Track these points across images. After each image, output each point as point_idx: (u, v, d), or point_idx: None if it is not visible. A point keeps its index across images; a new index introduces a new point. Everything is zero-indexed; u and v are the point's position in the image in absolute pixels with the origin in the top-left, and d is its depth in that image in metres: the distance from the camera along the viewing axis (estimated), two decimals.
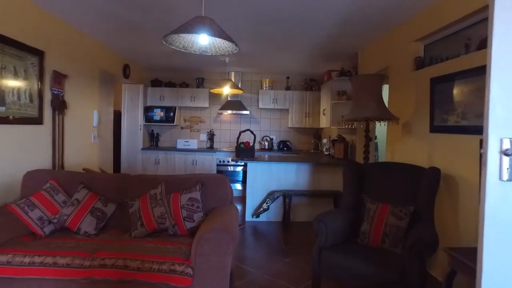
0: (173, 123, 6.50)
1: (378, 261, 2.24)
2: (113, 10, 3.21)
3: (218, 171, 6.22)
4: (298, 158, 5.10)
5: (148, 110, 6.42)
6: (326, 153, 5.85)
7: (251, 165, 4.65)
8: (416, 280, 2.03)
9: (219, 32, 2.18)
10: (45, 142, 3.31)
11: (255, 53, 4.95)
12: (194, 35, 2.35)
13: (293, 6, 3.08)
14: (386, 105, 3.36)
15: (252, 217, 4.60)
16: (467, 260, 1.73)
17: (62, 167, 3.58)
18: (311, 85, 6.60)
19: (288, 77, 6.70)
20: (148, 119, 6.42)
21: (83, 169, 3.51)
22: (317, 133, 6.78)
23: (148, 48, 4.85)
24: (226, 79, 5.12)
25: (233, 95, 6.51)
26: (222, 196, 2.85)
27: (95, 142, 4.45)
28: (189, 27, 2.15)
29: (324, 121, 5.80)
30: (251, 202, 4.66)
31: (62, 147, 3.58)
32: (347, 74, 4.98)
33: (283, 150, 6.60)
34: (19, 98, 2.87)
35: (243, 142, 4.78)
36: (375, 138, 4.53)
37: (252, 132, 4.74)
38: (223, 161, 6.23)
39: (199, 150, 6.33)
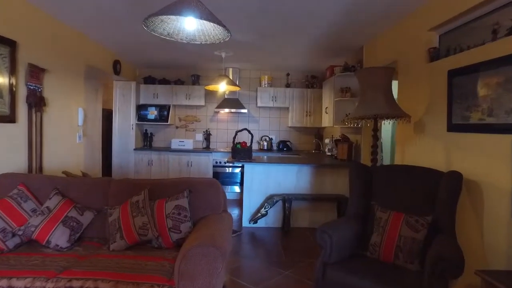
0: (167, 122, 6.18)
1: (391, 281, 1.93)
2: None
3: (215, 173, 5.91)
4: (298, 160, 4.79)
5: (141, 108, 6.11)
6: (329, 153, 5.54)
7: (248, 167, 4.34)
8: None
9: (207, 15, 1.87)
10: (19, 142, 2.99)
11: (253, 47, 4.63)
12: (179, 20, 2.05)
13: None
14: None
15: (249, 223, 4.28)
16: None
17: (41, 170, 3.26)
18: (313, 82, 6.28)
19: (288, 74, 6.38)
20: (141, 118, 6.10)
21: (63, 172, 3.19)
22: (319, 133, 6.48)
23: (138, 42, 4.54)
24: (222, 75, 4.79)
25: (231, 93, 6.20)
26: (213, 203, 2.53)
27: (80, 142, 4.13)
28: (172, 8, 1.84)
29: (326, 120, 5.49)
30: (248, 207, 4.35)
31: (40, 148, 3.26)
32: (351, 69, 4.66)
33: (283, 151, 6.28)
34: None
35: (239, 142, 4.46)
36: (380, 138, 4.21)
37: (249, 131, 4.42)
38: (220, 162, 5.91)
39: (194, 150, 6.02)
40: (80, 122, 4.10)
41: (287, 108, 6.41)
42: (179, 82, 6.27)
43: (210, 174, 5.89)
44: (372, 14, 3.25)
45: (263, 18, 3.45)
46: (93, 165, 4.56)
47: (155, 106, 6.15)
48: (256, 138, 6.49)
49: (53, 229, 2.22)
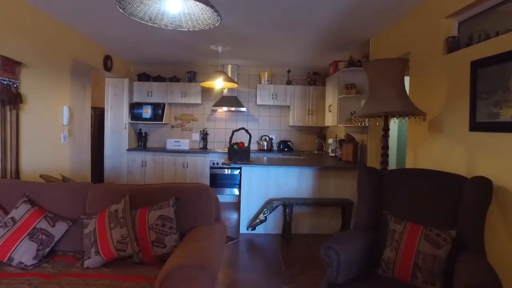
0: (162, 121, 5.88)
1: None
2: None
3: (212, 174, 5.61)
4: (300, 161, 4.48)
5: (134, 107, 5.80)
6: (332, 154, 5.23)
7: (245, 170, 4.04)
8: None
9: None
10: None
11: (251, 41, 4.32)
12: (161, 1, 1.75)
13: None
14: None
15: (247, 229, 3.98)
16: None
17: (17, 173, 2.97)
18: (315, 79, 5.97)
19: (289, 71, 6.07)
20: (135, 116, 5.79)
21: (41, 176, 2.90)
22: (322, 132, 6.17)
23: (129, 37, 4.24)
24: (218, 71, 4.48)
25: (229, 91, 5.89)
26: (204, 212, 2.24)
27: (65, 143, 3.84)
28: None
29: (330, 119, 5.18)
30: (247, 212, 4.05)
31: (16, 150, 2.97)
32: (356, 64, 4.35)
33: (284, 151, 5.97)
34: None
35: (236, 143, 4.16)
36: None
37: (247, 131, 4.11)
38: (218, 163, 5.61)
39: (191, 151, 5.71)
40: (65, 121, 3.81)
41: (288, 107, 6.10)
42: (174, 79, 5.97)
43: (207, 176, 5.60)
44: (381, 2, 2.94)
45: (261, 6, 3.14)
46: (81, 168, 4.27)
47: (150, 104, 5.84)
48: (256, 138, 6.19)
49: (17, 243, 1.93)
